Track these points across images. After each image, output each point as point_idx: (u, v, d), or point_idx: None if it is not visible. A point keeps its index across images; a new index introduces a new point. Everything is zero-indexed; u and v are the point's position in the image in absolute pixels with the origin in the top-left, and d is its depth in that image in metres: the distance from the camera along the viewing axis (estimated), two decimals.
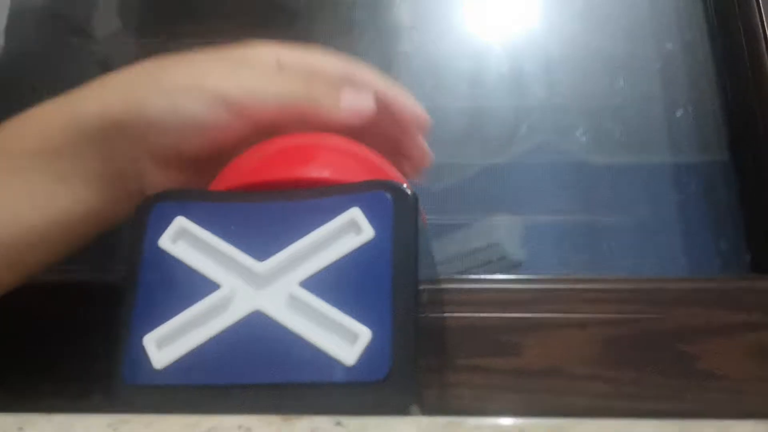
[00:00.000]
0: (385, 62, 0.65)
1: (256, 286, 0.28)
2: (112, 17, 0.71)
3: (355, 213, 0.29)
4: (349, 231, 0.29)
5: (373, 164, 0.34)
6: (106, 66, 0.68)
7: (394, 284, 0.27)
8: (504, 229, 0.61)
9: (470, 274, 0.58)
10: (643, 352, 0.42)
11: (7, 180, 0.33)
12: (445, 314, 0.44)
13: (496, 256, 0.60)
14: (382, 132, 0.37)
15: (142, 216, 0.30)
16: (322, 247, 0.29)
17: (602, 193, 0.60)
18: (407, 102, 0.38)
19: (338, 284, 0.28)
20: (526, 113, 0.62)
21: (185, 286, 0.29)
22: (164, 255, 0.29)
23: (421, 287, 0.39)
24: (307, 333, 0.27)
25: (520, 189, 0.63)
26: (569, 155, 0.61)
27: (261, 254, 0.29)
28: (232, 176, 0.33)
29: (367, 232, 0.28)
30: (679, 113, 0.56)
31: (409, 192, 0.30)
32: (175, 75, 0.33)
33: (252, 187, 0.32)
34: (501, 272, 0.59)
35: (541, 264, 0.58)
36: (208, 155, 0.34)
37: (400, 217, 0.29)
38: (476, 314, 0.43)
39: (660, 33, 0.58)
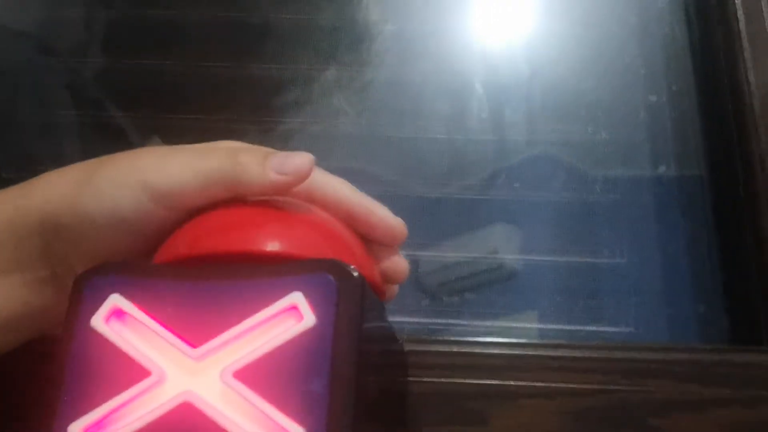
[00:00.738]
0: (366, 88, 0.64)
1: (189, 374, 0.27)
2: (81, 36, 0.70)
3: (297, 298, 0.27)
4: (289, 317, 0.27)
5: (328, 231, 0.33)
6: (73, 84, 0.68)
7: (332, 380, 0.26)
8: (502, 239, 0.60)
9: (466, 285, 0.57)
10: (612, 425, 0.40)
11: None
12: (411, 378, 0.42)
13: (493, 265, 0.60)
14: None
15: (78, 291, 0.29)
16: (261, 333, 0.27)
17: (582, 240, 0.58)
18: (379, 215, 0.35)
19: (274, 376, 0.26)
20: (505, 157, 0.61)
21: (116, 371, 0.27)
22: (96, 336, 0.28)
23: (386, 348, 0.37)
24: (237, 430, 0.25)
25: (503, 225, 0.62)
26: (548, 200, 0.59)
27: (196, 338, 0.28)
28: (176, 247, 0.31)
29: (307, 320, 0.27)
30: (661, 169, 0.54)
31: (355, 275, 0.28)
32: (108, 171, 0.32)
33: (197, 259, 0.30)
34: (498, 281, 0.58)
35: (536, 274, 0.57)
36: (146, 248, 0.32)
37: (345, 302, 0.27)
38: (443, 379, 0.42)
39: (647, 83, 0.57)
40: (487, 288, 0.60)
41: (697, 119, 0.56)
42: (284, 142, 0.66)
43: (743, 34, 0.52)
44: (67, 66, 0.70)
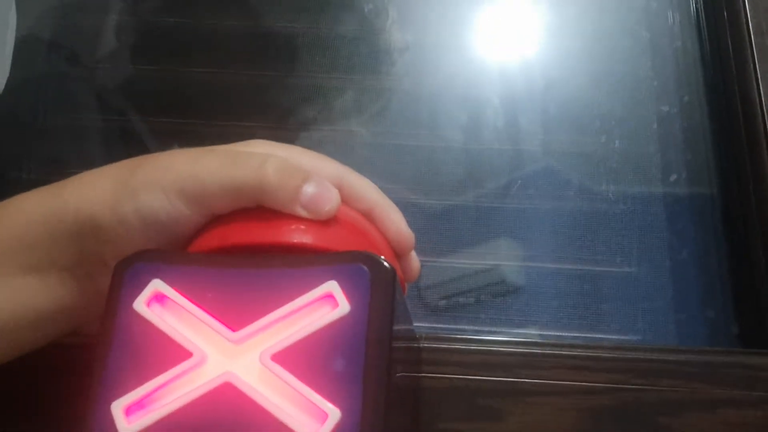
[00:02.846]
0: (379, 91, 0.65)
1: (229, 357, 0.28)
2: (110, 47, 0.71)
3: (332, 286, 0.29)
4: (325, 304, 0.29)
5: (355, 228, 0.34)
6: (96, 90, 0.69)
7: (366, 364, 0.27)
8: (504, 254, 0.61)
9: (469, 300, 0.58)
10: (624, 423, 0.41)
11: None
12: (425, 374, 0.43)
13: (495, 279, 0.61)
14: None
15: (119, 276, 0.30)
16: (297, 319, 0.28)
17: (594, 248, 0.60)
18: (394, 220, 0.36)
19: (311, 360, 0.28)
20: (518, 167, 0.62)
21: (157, 352, 0.28)
22: (138, 318, 0.29)
23: (407, 344, 0.39)
24: (276, 409, 0.26)
25: (517, 232, 0.63)
26: (562, 208, 0.61)
27: (235, 323, 0.29)
28: (212, 237, 0.32)
29: (342, 307, 0.28)
30: (672, 178, 0.56)
31: (387, 266, 0.29)
32: (142, 173, 0.32)
33: (231, 249, 0.32)
34: (499, 295, 0.59)
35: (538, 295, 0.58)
36: (177, 246, 0.33)
37: (377, 292, 0.29)
38: (457, 375, 0.43)
39: (659, 95, 0.59)
40: (494, 297, 0.61)
41: (708, 130, 0.57)
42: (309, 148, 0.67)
43: (754, 47, 0.54)
44: (91, 72, 0.71)
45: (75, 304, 0.34)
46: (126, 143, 0.68)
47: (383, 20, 0.71)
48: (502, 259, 0.62)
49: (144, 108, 0.68)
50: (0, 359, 0.34)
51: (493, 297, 0.61)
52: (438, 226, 0.63)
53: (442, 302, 0.61)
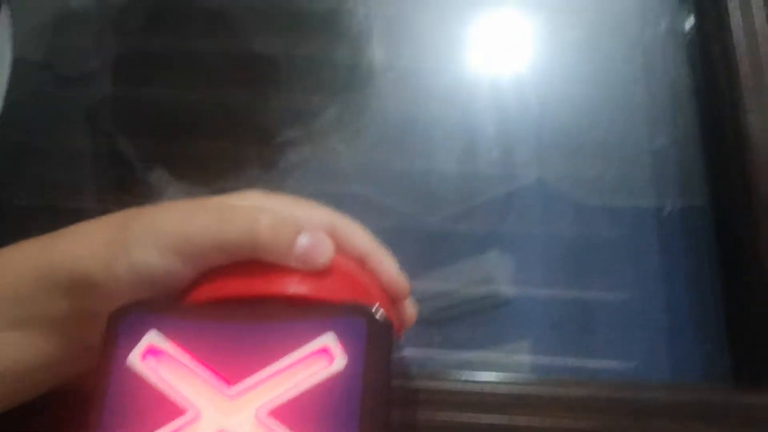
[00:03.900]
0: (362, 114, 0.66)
1: (224, 413, 0.28)
2: (100, 67, 0.71)
3: (329, 340, 0.28)
4: (321, 358, 0.29)
5: (350, 277, 0.34)
6: (85, 112, 0.69)
7: (361, 421, 0.27)
8: (495, 268, 0.61)
9: (461, 313, 0.58)
10: None
11: None
12: (423, 415, 0.43)
13: (487, 293, 0.61)
14: None
15: (113, 327, 0.30)
16: (293, 374, 0.28)
17: (587, 275, 0.60)
18: (387, 268, 0.36)
19: (307, 416, 0.27)
20: (512, 193, 0.62)
21: (151, 409, 0.28)
22: (132, 374, 0.29)
23: (402, 385, 0.38)
24: None
25: (508, 258, 0.63)
26: (557, 236, 0.61)
27: (231, 376, 0.29)
28: (206, 290, 0.32)
29: (338, 362, 0.28)
30: (666, 208, 0.56)
31: (384, 319, 0.29)
32: (135, 230, 0.32)
33: (226, 302, 0.31)
34: (491, 309, 0.59)
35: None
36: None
37: (374, 346, 0.29)
38: (454, 417, 0.43)
39: (653, 124, 0.59)
40: (480, 318, 0.61)
41: (701, 160, 0.57)
42: (291, 173, 0.67)
43: (747, 80, 0.54)
44: (80, 94, 0.71)
45: (64, 358, 0.34)
46: (114, 165, 0.67)
47: (367, 41, 0.71)
48: (493, 285, 0.62)
49: (131, 130, 0.67)
50: None
51: (483, 322, 0.61)
52: (427, 251, 0.63)
53: (433, 330, 0.61)
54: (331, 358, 0.28)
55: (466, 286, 0.62)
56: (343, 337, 0.29)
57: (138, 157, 0.68)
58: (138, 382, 0.29)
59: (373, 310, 0.29)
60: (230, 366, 0.29)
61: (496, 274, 0.62)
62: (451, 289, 0.61)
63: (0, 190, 0.67)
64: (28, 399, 0.35)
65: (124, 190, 0.66)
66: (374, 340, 0.29)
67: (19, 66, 0.70)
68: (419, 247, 0.63)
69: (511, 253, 0.62)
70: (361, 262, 0.35)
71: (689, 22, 0.64)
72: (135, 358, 0.29)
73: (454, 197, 0.63)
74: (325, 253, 0.32)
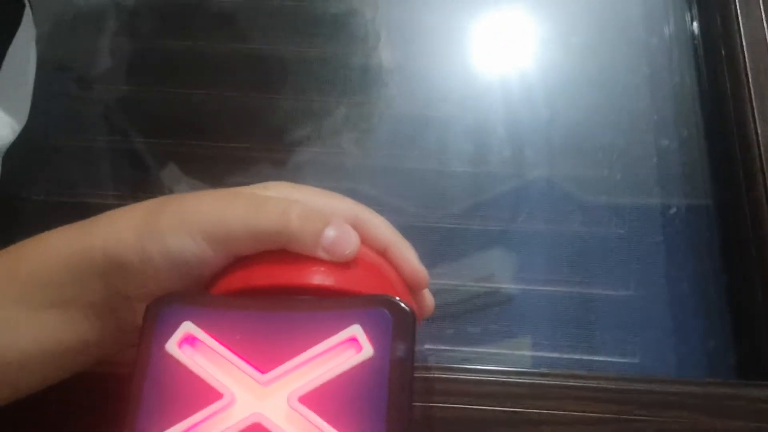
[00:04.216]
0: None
1: (257, 398, 0.30)
2: (115, 67, 0.73)
3: (356, 330, 0.30)
4: (349, 348, 0.30)
5: (374, 268, 0.36)
6: (102, 112, 0.70)
7: (389, 407, 0.28)
8: (502, 265, 0.63)
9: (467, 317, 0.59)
10: None
11: (6, 305, 0.34)
12: (437, 404, 0.45)
13: (494, 301, 0.62)
14: None
15: (151, 317, 0.32)
16: (323, 362, 0.30)
17: (595, 274, 0.61)
18: (408, 258, 0.37)
19: (336, 401, 0.29)
20: (521, 193, 0.64)
21: (188, 393, 0.30)
22: (170, 359, 0.30)
23: (420, 375, 0.40)
24: None
25: (517, 256, 0.64)
26: (565, 235, 0.62)
27: (263, 364, 0.30)
28: (236, 279, 0.34)
29: (366, 351, 0.30)
30: (672, 209, 0.57)
31: (407, 310, 0.31)
32: (169, 215, 0.34)
33: (255, 291, 0.33)
34: (493, 305, 0.60)
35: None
36: (199, 285, 0.34)
37: (399, 336, 0.30)
38: (468, 406, 0.44)
39: (658, 128, 0.60)
40: (486, 314, 0.62)
41: (706, 163, 0.59)
42: (304, 171, 0.68)
43: (751, 84, 0.56)
44: (97, 94, 0.72)
45: (98, 339, 0.35)
46: (130, 164, 0.69)
47: (375, 42, 0.72)
48: (502, 282, 0.64)
49: (145, 129, 0.69)
50: (25, 391, 0.36)
51: (489, 319, 0.62)
52: (436, 249, 0.64)
53: (445, 325, 0.63)
54: (359, 348, 0.30)
55: (473, 283, 0.63)
56: (370, 328, 0.30)
57: (151, 156, 0.69)
58: (176, 367, 0.30)
59: (398, 302, 0.31)
60: (262, 355, 0.30)
61: (503, 272, 0.64)
62: (458, 285, 0.63)
63: (19, 186, 0.68)
64: (66, 376, 0.36)
65: (139, 187, 0.68)
66: (399, 330, 0.30)
67: (40, 67, 0.72)
68: (428, 244, 0.64)
69: (518, 251, 0.64)
70: (383, 252, 0.37)
71: (695, 27, 0.65)
72: (172, 346, 0.31)
73: (462, 196, 0.65)
74: (351, 244, 0.34)
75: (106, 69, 0.73)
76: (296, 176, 0.67)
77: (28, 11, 0.56)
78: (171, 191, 0.68)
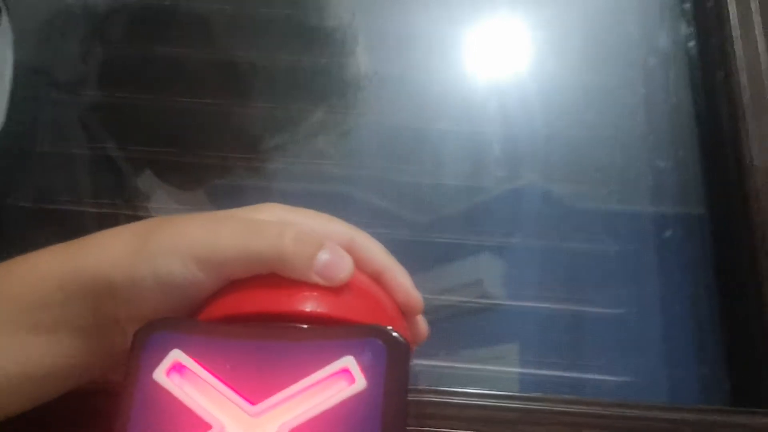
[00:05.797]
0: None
1: (247, 429, 0.29)
2: (93, 72, 0.72)
3: (349, 362, 0.29)
4: (341, 379, 0.29)
5: (368, 294, 0.35)
6: (85, 120, 0.70)
7: None
8: (486, 269, 0.62)
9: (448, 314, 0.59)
10: None
11: None
12: (427, 429, 0.44)
13: (476, 294, 0.62)
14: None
15: (139, 344, 0.31)
16: (314, 393, 0.29)
17: (587, 291, 0.61)
18: (403, 284, 0.37)
19: None
20: (516, 210, 0.63)
21: (176, 423, 0.29)
22: (158, 388, 0.30)
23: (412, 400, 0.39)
24: None
25: (508, 273, 0.64)
26: (556, 256, 0.62)
27: (253, 395, 0.29)
28: (226, 305, 0.33)
29: (359, 383, 0.29)
30: (667, 230, 0.57)
31: (401, 341, 0.30)
32: (159, 237, 0.33)
33: (245, 317, 0.32)
34: (480, 311, 0.60)
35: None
36: (189, 308, 0.34)
37: (392, 367, 0.30)
38: (457, 431, 0.44)
39: (654, 149, 0.60)
40: (473, 330, 0.62)
41: (701, 184, 0.59)
42: (279, 179, 0.68)
43: (747, 107, 0.55)
44: (73, 100, 0.72)
45: (85, 361, 0.35)
46: (109, 170, 0.68)
47: (353, 49, 0.72)
48: (493, 297, 0.63)
49: (121, 136, 0.68)
50: (10, 412, 0.35)
51: (477, 336, 0.62)
52: (425, 263, 0.64)
53: (434, 340, 0.62)
54: (352, 379, 0.29)
55: (461, 296, 0.63)
56: (363, 359, 0.30)
57: (128, 162, 0.68)
58: (163, 396, 0.30)
59: (392, 332, 0.30)
60: (253, 385, 0.30)
61: (494, 286, 0.63)
62: (447, 299, 0.62)
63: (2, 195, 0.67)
64: (52, 398, 0.36)
65: (116, 194, 0.67)
66: (393, 361, 0.30)
67: (19, 71, 0.71)
68: (417, 254, 0.64)
69: (510, 266, 0.64)
70: (377, 277, 0.36)
71: (691, 46, 0.65)
72: (160, 374, 0.30)
73: (453, 206, 0.64)
74: (345, 269, 0.33)
75: (81, 74, 0.72)
76: (271, 184, 0.67)
77: (4, 16, 0.55)
78: (148, 197, 0.67)
